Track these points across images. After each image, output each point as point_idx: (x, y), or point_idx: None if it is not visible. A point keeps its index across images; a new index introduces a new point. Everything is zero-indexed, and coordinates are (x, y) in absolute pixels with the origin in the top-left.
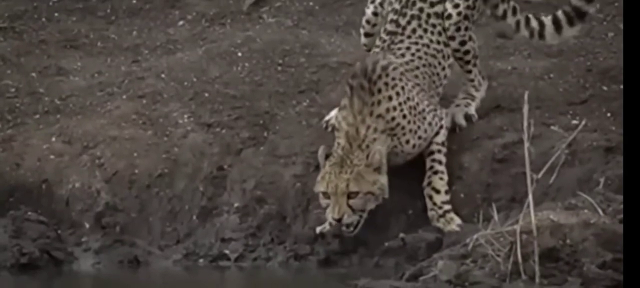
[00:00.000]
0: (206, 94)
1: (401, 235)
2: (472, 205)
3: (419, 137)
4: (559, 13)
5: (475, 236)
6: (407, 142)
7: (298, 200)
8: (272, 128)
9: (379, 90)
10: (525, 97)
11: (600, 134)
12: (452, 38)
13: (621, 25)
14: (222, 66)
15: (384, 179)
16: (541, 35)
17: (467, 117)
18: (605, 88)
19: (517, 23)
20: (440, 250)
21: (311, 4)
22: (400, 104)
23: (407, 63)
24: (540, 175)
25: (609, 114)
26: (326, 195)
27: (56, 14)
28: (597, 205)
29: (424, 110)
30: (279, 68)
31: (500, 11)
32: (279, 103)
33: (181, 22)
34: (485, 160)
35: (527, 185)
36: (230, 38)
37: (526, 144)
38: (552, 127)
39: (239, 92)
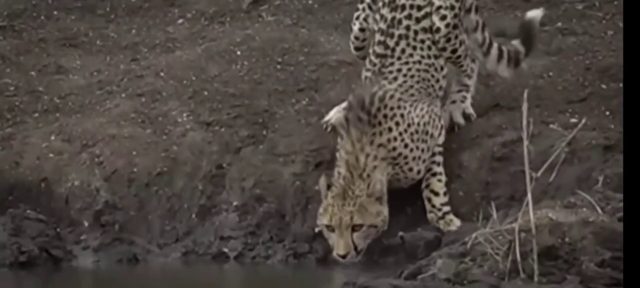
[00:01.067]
0: (205, 93)
1: (400, 233)
2: (471, 204)
3: (423, 160)
4: (504, 48)
5: (474, 234)
6: (411, 169)
7: (297, 198)
8: (271, 126)
9: (379, 123)
10: (525, 95)
11: (599, 132)
12: (444, 49)
13: (620, 24)
14: (221, 64)
15: (386, 210)
16: (487, 51)
17: (466, 116)
18: (604, 86)
19: (477, 22)
20: (439, 248)
21: (310, 2)
22: (400, 133)
23: (400, 86)
24: (539, 174)
25: (607, 113)
26: (330, 227)
27: (55, 13)
28: (595, 203)
29: (426, 124)
30: (278, 66)
31: (468, 2)
32: (278, 101)
33: (180, 21)
34: (484, 158)
35: (526, 184)
36: (230, 36)
37: (525, 143)
38: (551, 126)
39: (238, 90)
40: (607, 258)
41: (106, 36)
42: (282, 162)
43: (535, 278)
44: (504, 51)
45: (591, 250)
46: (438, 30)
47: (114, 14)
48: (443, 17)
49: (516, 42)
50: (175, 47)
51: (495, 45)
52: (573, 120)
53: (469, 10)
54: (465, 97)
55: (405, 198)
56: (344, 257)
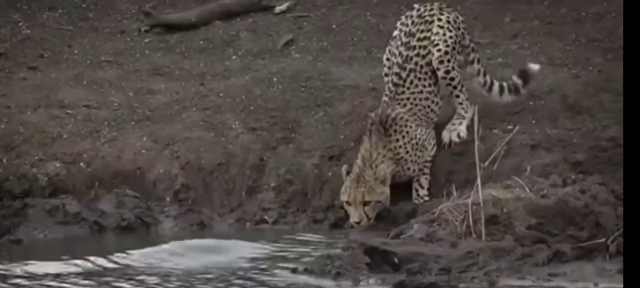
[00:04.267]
0: (252, 107)
1: (387, 206)
2: (437, 186)
3: (417, 163)
4: (504, 83)
5: (440, 207)
6: (408, 169)
7: (316, 182)
8: (298, 131)
9: (390, 135)
10: (475, 109)
11: (528, 135)
12: (438, 69)
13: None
14: (262, 87)
15: (387, 191)
16: (490, 89)
17: (459, 137)
18: (531, 103)
19: (478, 71)
20: (415, 217)
21: (325, 44)
22: (405, 144)
23: (409, 110)
24: (486, 164)
25: (534, 121)
26: (348, 203)
27: (147, 51)
28: (525, 185)
29: (423, 140)
30: (303, 89)
31: (470, 57)
32: (303, 113)
33: (234, 57)
34: (446, 153)
35: (477, 171)
36: (268, 68)
37: (476, 142)
38: (494, 131)
39: (275, 105)
40: (533, 223)
41: (182, 68)
42: (305, 156)
43: (483, 237)
44: (505, 86)
45: (522, 218)
46: (432, 54)
47: (188, 52)
48: (436, 45)
49: (515, 77)
50: (230, 75)
51: (496, 83)
52: (510, 127)
53: (471, 62)
54: (461, 122)
55: (392, 185)
56: (358, 223)
